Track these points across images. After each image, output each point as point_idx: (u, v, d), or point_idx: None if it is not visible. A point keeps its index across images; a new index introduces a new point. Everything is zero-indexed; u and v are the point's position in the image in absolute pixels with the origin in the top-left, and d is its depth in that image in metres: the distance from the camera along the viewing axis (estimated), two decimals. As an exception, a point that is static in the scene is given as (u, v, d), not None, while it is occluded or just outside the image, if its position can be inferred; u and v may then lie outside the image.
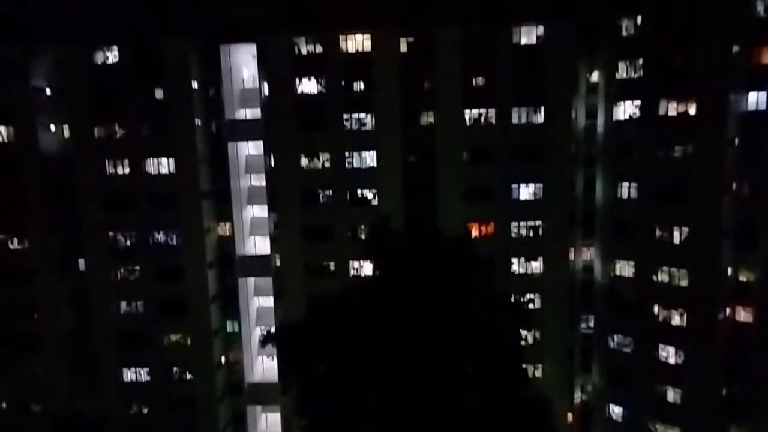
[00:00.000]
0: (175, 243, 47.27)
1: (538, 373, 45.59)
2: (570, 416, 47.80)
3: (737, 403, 40.97)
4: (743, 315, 40.78)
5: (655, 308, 42.39)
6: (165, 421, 48.71)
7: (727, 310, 40.99)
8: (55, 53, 46.34)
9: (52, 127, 47.50)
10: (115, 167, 46.55)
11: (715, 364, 40.78)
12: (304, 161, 45.77)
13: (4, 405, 49.68)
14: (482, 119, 44.32)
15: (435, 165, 44.89)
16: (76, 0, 47.87)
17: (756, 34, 38.00)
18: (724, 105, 38.63)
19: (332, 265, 46.43)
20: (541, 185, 44.34)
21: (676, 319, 41.69)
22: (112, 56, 45.61)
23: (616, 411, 45.33)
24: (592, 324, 47.38)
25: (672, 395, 42.30)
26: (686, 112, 39.88)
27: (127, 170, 46.47)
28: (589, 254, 47.41)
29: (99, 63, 45.63)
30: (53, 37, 45.86)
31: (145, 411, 49.03)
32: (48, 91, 47.18)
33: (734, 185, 39.77)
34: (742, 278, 40.62)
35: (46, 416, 48.58)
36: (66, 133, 47.64)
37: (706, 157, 39.32)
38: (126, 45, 45.08)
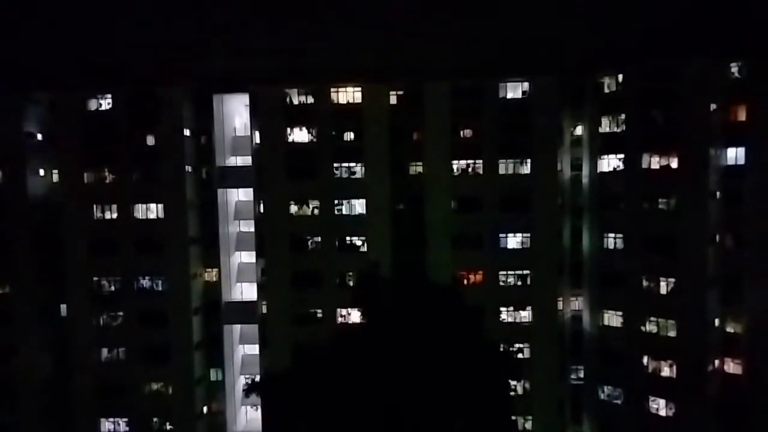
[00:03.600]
0: (160, 288, 46.67)
1: (529, 425, 44.73)
2: (561, 471, 46.60)
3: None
4: (732, 367, 40.74)
5: (645, 359, 42.20)
6: (142, 475, 46.81)
7: (716, 362, 40.90)
8: (49, 99, 46.92)
9: (41, 172, 47.53)
10: (103, 212, 46.46)
11: (706, 417, 40.31)
12: (293, 208, 45.99)
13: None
14: (470, 169, 45.12)
15: (423, 213, 45.31)
16: (70, 48, 48.96)
17: (732, 94, 39.70)
18: (704, 159, 39.79)
19: (320, 312, 45.98)
20: (528, 235, 44.76)
21: (666, 371, 41.46)
22: (105, 103, 46.28)
23: (608, 466, 44.38)
24: (582, 374, 46.90)
25: (664, 449, 41.61)
26: (668, 166, 40.98)
27: (114, 215, 46.38)
28: (577, 304, 47.43)
29: (92, 110, 46.24)
30: (47, 84, 46.64)
31: (122, 465, 47.22)
32: (39, 136, 47.46)
33: (718, 237, 40.49)
34: (730, 330, 40.80)
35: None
36: (55, 177, 47.70)
37: (689, 209, 40.16)
38: (119, 93, 45.84)
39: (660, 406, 41.60)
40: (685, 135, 40.10)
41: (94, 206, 46.31)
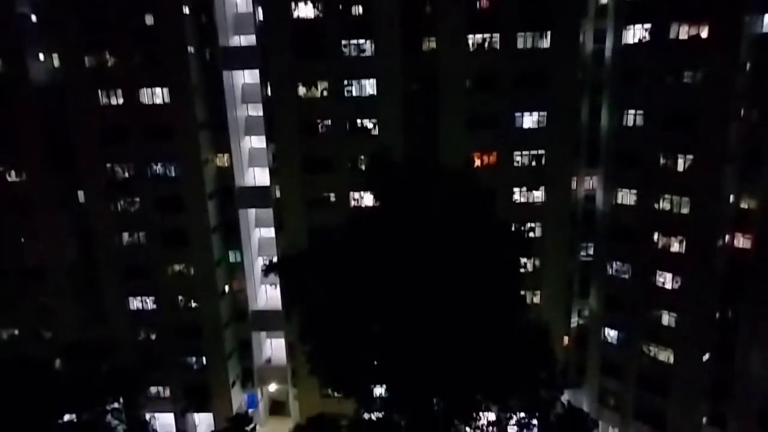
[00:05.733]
0: (173, 174, 46.91)
1: (537, 299, 46.51)
2: (566, 339, 49.21)
3: (730, 324, 42.02)
4: (742, 241, 41.09)
5: (655, 236, 42.61)
6: (172, 347, 50.27)
7: (727, 237, 41.23)
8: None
9: (41, 57, 46.00)
10: (109, 97, 45.48)
11: (710, 289, 41.45)
12: (301, 90, 44.55)
13: (17, 332, 51.15)
14: (486, 45, 42.74)
15: (437, 93, 43.70)
16: None
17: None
18: (737, 27, 37.13)
19: (333, 196, 46.27)
20: (545, 113, 43.35)
21: (675, 246, 41.97)
22: (98, -21, 43.48)
23: (611, 334, 46.61)
24: (591, 252, 47.84)
25: (666, 319, 43.32)
26: (698, 36, 38.40)
27: (120, 100, 45.43)
28: (592, 183, 47.14)
29: (85, -13, 43.59)
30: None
31: (153, 337, 50.52)
32: (33, 18, 45.27)
33: (743, 111, 38.95)
34: (744, 205, 40.61)
35: (57, 343, 50.01)
36: (56, 62, 46.18)
37: (716, 82, 38.18)
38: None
39: (666, 280, 42.70)
40: (717, 0, 37.11)
41: (99, 91, 45.26)
